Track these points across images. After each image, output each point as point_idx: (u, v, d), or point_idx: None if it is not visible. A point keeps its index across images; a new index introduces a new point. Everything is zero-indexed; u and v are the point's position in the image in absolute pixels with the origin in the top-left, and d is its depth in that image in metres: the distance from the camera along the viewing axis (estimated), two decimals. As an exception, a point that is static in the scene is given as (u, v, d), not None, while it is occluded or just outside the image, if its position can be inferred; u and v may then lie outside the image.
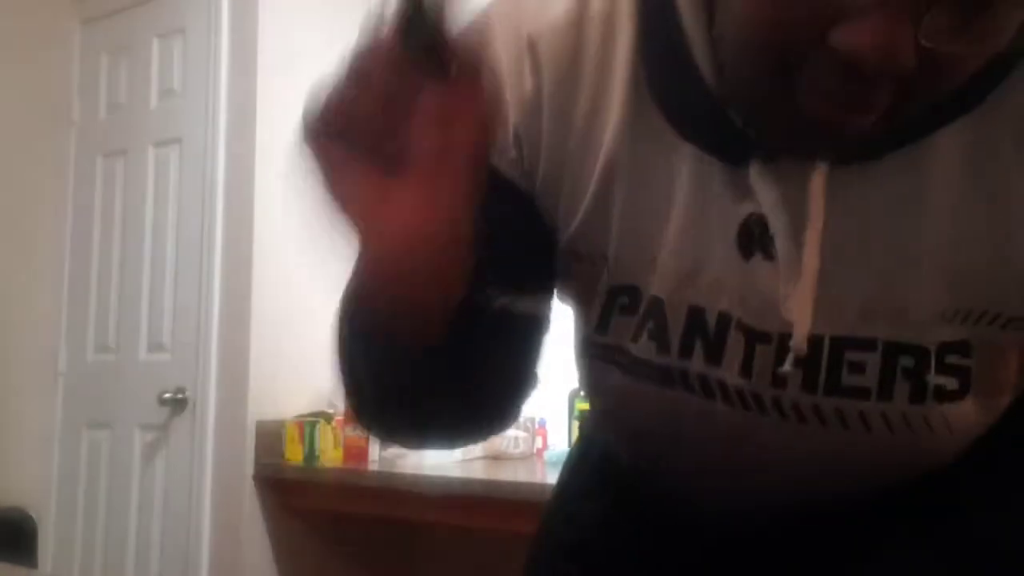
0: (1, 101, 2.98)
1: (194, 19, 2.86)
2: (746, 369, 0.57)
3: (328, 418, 2.62)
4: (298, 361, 2.72)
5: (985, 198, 0.52)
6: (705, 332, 0.57)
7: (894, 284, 0.54)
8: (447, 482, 2.23)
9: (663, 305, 0.58)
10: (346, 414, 2.58)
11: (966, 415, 0.56)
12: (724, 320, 0.56)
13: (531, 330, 0.62)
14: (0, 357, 2.94)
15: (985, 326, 0.54)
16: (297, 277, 2.74)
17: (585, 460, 0.80)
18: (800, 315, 0.53)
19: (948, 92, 0.47)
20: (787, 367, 0.54)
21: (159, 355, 2.84)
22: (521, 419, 2.61)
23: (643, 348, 0.59)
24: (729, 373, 0.57)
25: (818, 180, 0.51)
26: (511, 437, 2.51)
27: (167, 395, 2.73)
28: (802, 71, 0.45)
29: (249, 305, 2.64)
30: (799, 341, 0.53)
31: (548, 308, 0.64)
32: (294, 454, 2.57)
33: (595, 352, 0.63)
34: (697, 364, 0.58)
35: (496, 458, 2.51)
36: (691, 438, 0.61)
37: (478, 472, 2.32)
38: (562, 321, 0.67)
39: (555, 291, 0.64)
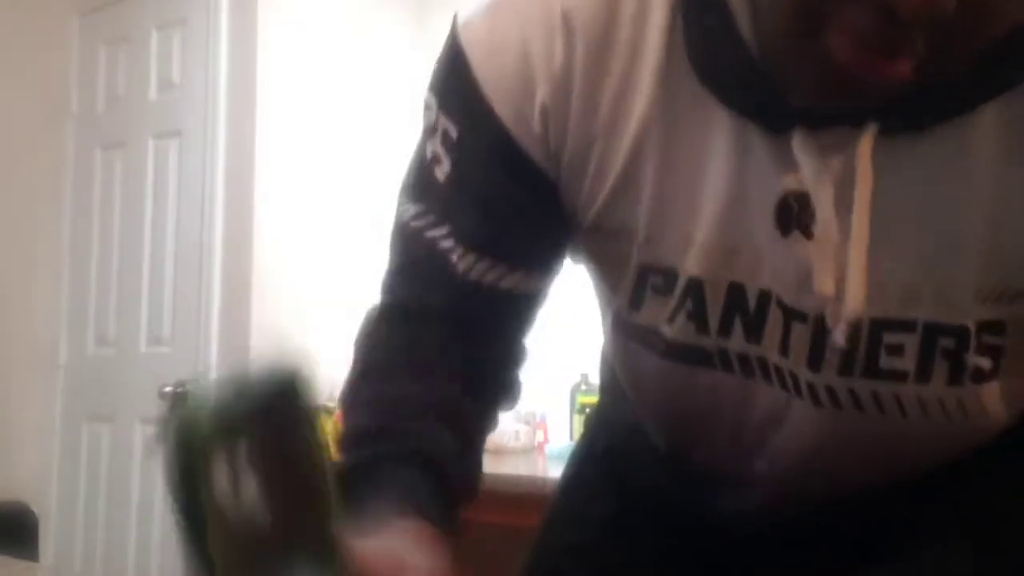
0: None
1: (193, 10, 2.84)
2: (784, 349, 0.56)
3: (329, 412, 2.61)
4: (299, 354, 2.71)
5: None
6: (745, 309, 0.56)
7: (936, 263, 0.53)
8: (448, 475, 2.22)
9: (703, 285, 0.56)
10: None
11: (996, 396, 0.55)
12: (765, 297, 0.55)
13: (527, 306, 0.63)
14: (0, 350, 2.94)
15: (1021, 305, 0.53)
16: (297, 269, 2.73)
17: (591, 458, 0.79)
18: (854, 280, 0.51)
19: (986, 46, 0.45)
20: (838, 337, 0.53)
21: (159, 348, 2.84)
22: (522, 413, 2.60)
23: (680, 330, 0.58)
24: (770, 351, 0.56)
25: (866, 145, 0.50)
26: (512, 431, 2.50)
27: (168, 388, 2.72)
28: (835, 14, 0.43)
29: (249, 298, 2.64)
30: (852, 309, 0.51)
31: (547, 287, 0.64)
32: (295, 447, 2.56)
33: (629, 332, 0.62)
34: (737, 342, 0.57)
35: (496, 452, 2.50)
36: (728, 420, 0.61)
37: (479, 465, 2.32)
38: (565, 313, 0.66)
39: (556, 271, 0.64)
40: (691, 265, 0.56)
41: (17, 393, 2.99)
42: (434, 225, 0.60)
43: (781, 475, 0.61)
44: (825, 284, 0.52)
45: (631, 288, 0.60)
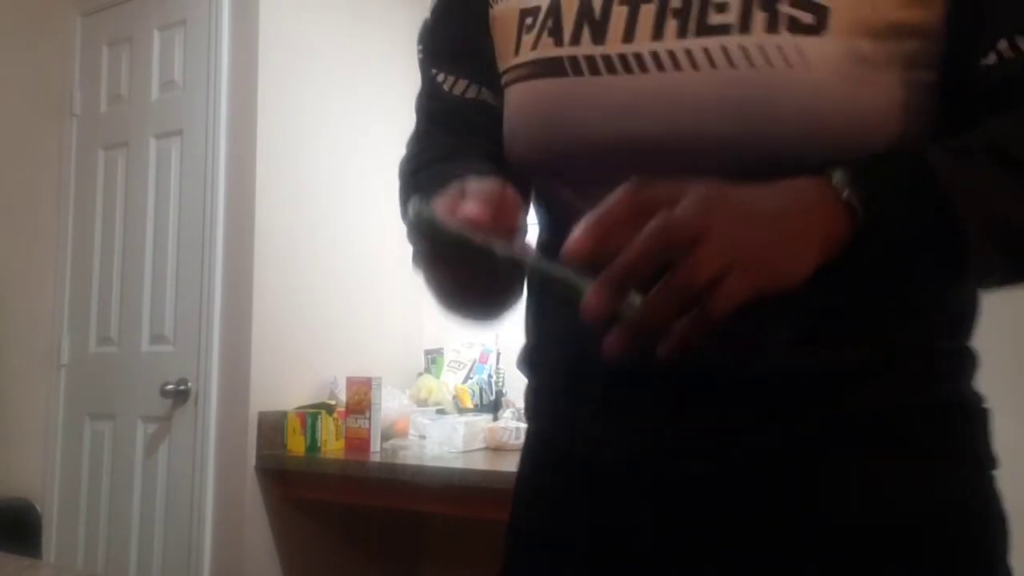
0: (2, 93, 2.98)
1: (195, 10, 2.86)
2: (628, 35, 0.67)
3: (330, 409, 2.63)
4: (300, 352, 2.73)
5: None
6: (592, 16, 0.70)
7: None
8: (448, 473, 2.24)
9: (560, 4, 0.72)
10: (348, 406, 2.59)
11: (825, 53, 0.62)
12: (608, 1, 0.69)
13: (494, 115, 0.78)
14: (2, 348, 2.96)
15: None
16: (298, 268, 2.75)
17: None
18: None
19: None
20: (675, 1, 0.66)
21: (161, 347, 2.85)
22: (521, 412, 2.61)
23: (542, 48, 0.72)
24: (612, 46, 0.68)
25: None
26: (511, 429, 2.52)
27: (169, 387, 2.74)
28: None
29: (251, 296, 2.65)
30: None
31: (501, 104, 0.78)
32: (296, 445, 2.58)
33: (509, 79, 0.75)
34: (585, 47, 0.69)
35: (496, 449, 2.52)
36: (584, 119, 0.69)
37: (478, 463, 2.34)
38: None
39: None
40: None
41: (20, 391, 3.01)
42: (428, 57, 0.84)
43: (636, 158, 0.68)
44: None
45: (515, 37, 0.75)
